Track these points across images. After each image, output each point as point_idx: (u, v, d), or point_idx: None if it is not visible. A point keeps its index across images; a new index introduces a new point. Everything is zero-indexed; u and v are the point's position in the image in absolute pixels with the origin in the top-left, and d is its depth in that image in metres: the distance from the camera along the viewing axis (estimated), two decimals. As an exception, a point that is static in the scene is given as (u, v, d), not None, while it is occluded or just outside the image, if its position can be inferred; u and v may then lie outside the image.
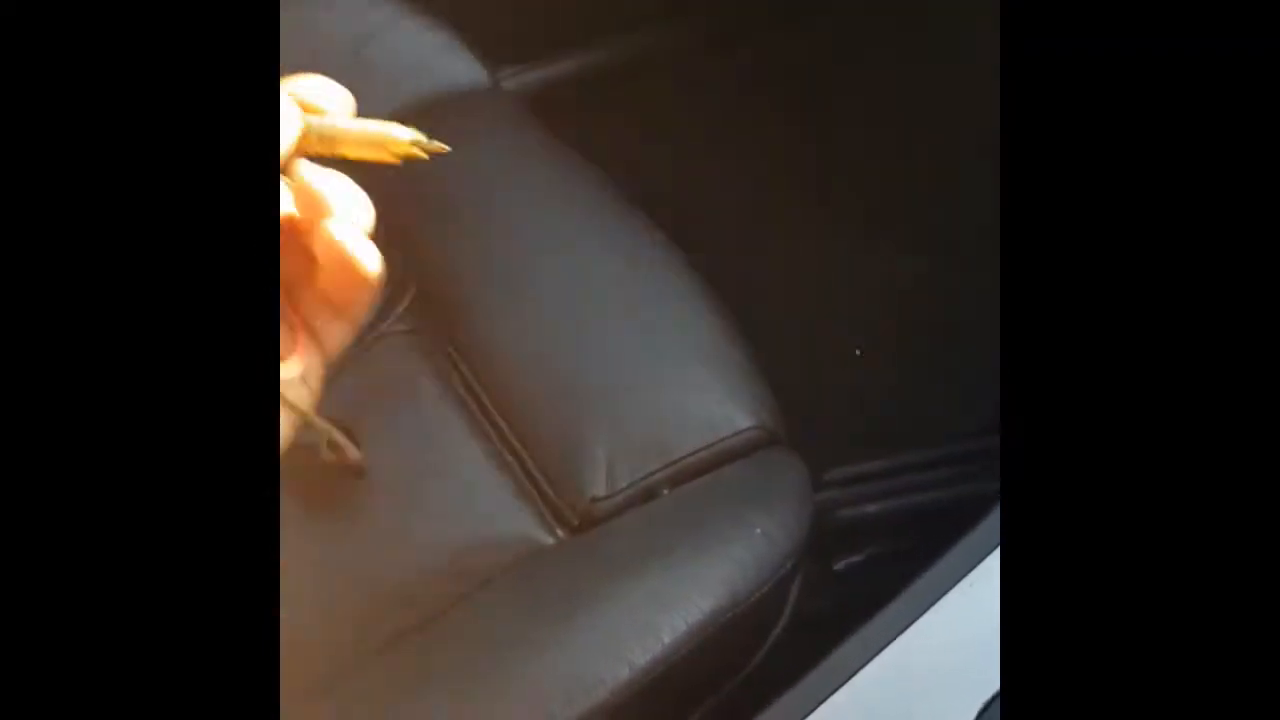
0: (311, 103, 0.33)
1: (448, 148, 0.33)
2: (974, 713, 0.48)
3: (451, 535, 0.67)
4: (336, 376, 0.73)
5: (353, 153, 0.33)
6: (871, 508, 0.91)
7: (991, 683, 0.49)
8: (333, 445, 0.51)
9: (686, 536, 0.61)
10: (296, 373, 0.33)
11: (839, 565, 0.90)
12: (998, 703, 0.49)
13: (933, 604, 0.51)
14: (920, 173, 1.11)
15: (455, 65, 0.89)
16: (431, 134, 0.33)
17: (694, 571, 0.58)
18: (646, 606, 0.57)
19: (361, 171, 0.34)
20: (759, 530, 0.61)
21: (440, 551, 0.67)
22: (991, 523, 0.53)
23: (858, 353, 1.03)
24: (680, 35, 1.15)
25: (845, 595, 0.86)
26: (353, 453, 0.54)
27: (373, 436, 0.68)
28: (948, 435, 0.94)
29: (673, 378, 0.72)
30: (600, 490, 0.69)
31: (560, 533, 0.69)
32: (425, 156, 0.33)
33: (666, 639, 0.56)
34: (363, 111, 0.35)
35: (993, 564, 0.52)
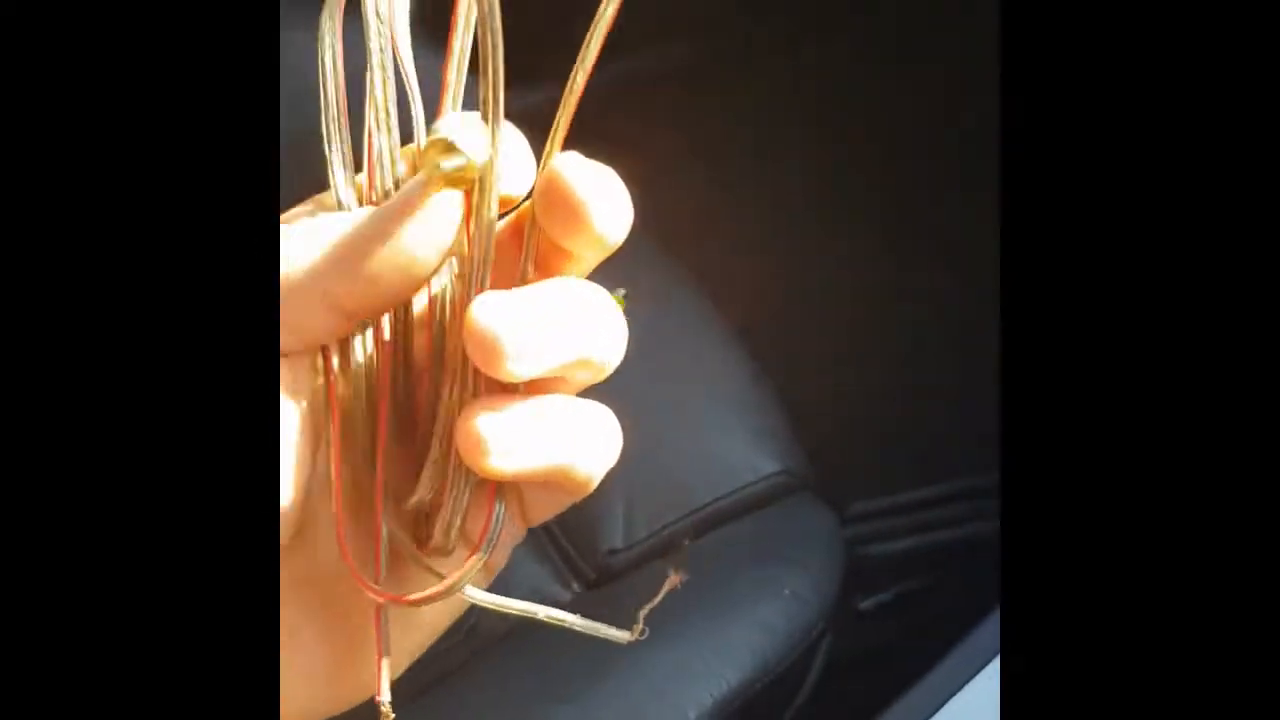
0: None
1: None
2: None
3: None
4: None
5: None
6: (901, 543, 0.87)
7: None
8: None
9: (710, 598, 0.57)
10: None
11: (866, 604, 0.86)
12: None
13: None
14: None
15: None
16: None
17: (720, 639, 0.54)
18: (671, 679, 0.53)
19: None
20: (788, 591, 0.57)
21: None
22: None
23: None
24: (728, 39, 1.09)
25: (873, 638, 0.82)
26: None
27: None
28: (980, 467, 0.90)
29: (693, 419, 0.68)
30: (618, 542, 0.66)
31: (576, 586, 0.66)
32: None
33: (693, 716, 0.52)
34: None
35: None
